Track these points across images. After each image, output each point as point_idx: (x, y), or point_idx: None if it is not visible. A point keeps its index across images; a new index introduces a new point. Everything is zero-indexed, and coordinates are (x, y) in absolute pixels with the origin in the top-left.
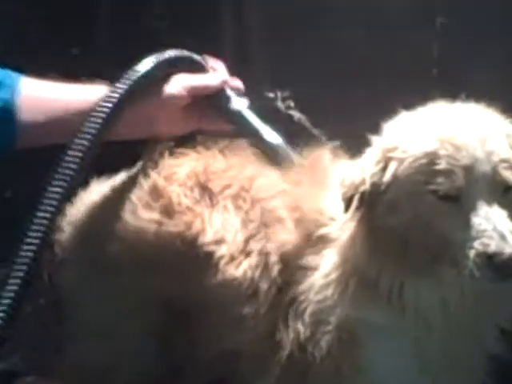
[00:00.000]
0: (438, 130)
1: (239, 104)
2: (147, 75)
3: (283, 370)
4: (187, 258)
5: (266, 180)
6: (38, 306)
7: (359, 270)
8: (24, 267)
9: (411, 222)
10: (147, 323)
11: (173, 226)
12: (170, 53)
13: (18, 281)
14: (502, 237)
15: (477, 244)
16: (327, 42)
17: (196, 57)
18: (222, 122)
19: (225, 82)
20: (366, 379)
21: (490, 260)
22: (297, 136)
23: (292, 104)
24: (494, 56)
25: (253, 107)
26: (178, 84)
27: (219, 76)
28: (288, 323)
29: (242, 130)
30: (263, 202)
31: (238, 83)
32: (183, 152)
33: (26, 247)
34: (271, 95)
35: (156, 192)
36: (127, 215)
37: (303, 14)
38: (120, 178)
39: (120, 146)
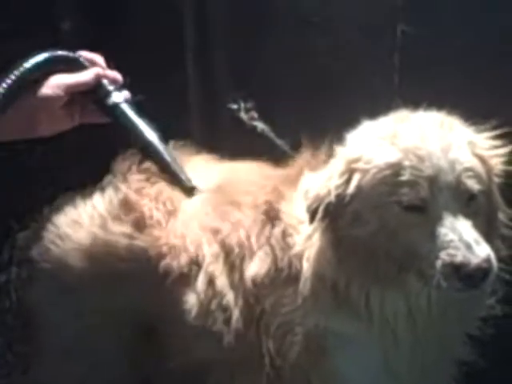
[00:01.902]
0: (401, 140)
1: (117, 98)
2: (24, 76)
3: (252, 382)
4: (156, 272)
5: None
6: (5, 324)
7: (328, 282)
8: None
9: (376, 232)
10: (117, 339)
11: (144, 240)
12: (45, 54)
13: None
14: (468, 247)
15: (443, 255)
16: (290, 54)
17: (72, 55)
18: (102, 116)
19: (99, 77)
20: None
21: (457, 270)
22: (260, 147)
23: (255, 115)
24: (456, 64)
25: (133, 101)
26: (54, 84)
27: (93, 71)
28: (257, 336)
29: (118, 123)
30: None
31: (115, 76)
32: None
33: None
34: (234, 107)
35: (127, 206)
36: (96, 229)
37: (267, 26)
38: (88, 192)
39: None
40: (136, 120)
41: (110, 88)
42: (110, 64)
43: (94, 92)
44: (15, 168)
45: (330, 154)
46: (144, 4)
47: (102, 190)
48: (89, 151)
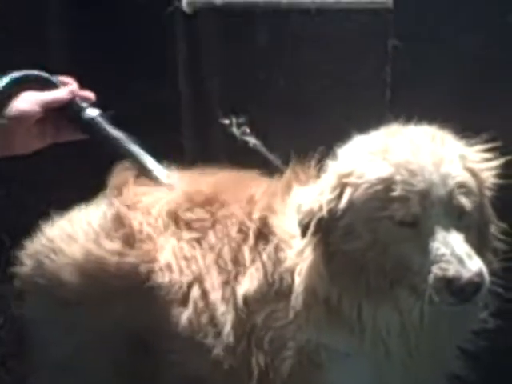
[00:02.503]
0: (392, 154)
1: (91, 113)
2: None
3: None
4: (147, 287)
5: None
6: None
7: (320, 296)
8: None
9: (368, 247)
10: (110, 353)
11: (134, 256)
12: (17, 73)
13: None
14: (460, 261)
15: (435, 269)
16: (282, 69)
17: (44, 74)
18: (77, 133)
19: (74, 94)
20: None
21: (449, 284)
22: (252, 161)
23: (247, 130)
24: (447, 79)
25: (105, 116)
26: (29, 99)
27: (67, 89)
28: (249, 350)
29: (95, 137)
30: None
31: (88, 94)
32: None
33: None
34: (226, 121)
35: (118, 221)
36: (90, 245)
37: (258, 42)
38: (83, 207)
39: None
40: (113, 131)
41: (84, 104)
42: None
43: (67, 109)
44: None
45: (320, 169)
46: (136, 22)
47: (98, 204)
48: (85, 164)
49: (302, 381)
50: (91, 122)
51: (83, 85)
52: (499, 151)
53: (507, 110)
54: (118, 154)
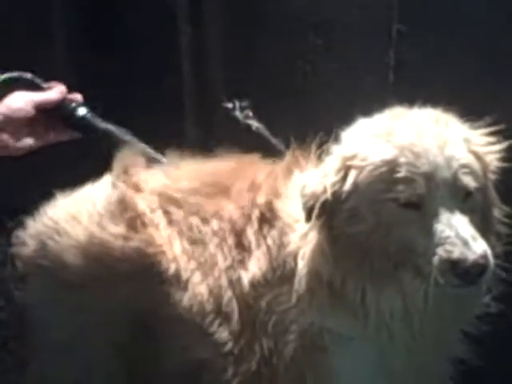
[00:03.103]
0: (396, 136)
1: (82, 111)
2: None
3: (247, 383)
4: (152, 271)
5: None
6: (0, 322)
7: (324, 280)
8: None
9: (373, 229)
10: (112, 336)
11: (138, 240)
12: (5, 74)
13: None
14: (465, 243)
15: (440, 251)
16: (285, 52)
17: (32, 76)
18: (68, 133)
19: (64, 94)
20: None
21: (454, 266)
22: (255, 145)
23: (250, 114)
24: (451, 63)
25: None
26: (21, 99)
27: (57, 90)
28: (254, 335)
29: (89, 134)
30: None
31: (77, 96)
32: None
33: None
34: (229, 105)
35: (123, 204)
36: (94, 227)
37: (261, 25)
38: (87, 189)
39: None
40: (106, 125)
41: (73, 104)
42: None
43: (58, 110)
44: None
45: (320, 153)
46: (139, 6)
47: (102, 185)
48: (89, 147)
49: (305, 364)
50: (83, 120)
51: (86, 70)
52: (502, 135)
53: (510, 95)
54: (115, 146)
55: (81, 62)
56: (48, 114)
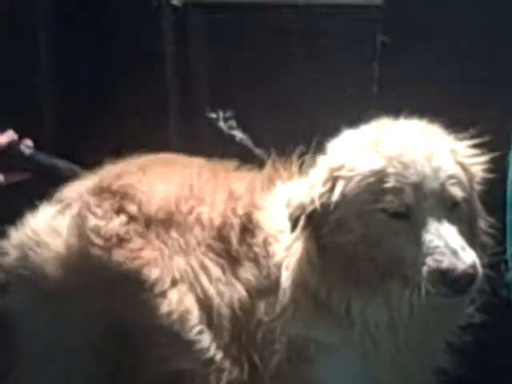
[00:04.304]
0: (384, 147)
1: (28, 150)
2: None
3: None
4: (134, 283)
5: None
6: None
7: (309, 290)
8: None
9: (360, 240)
10: (93, 347)
11: (119, 253)
12: None
13: None
14: (454, 253)
15: (429, 261)
16: (269, 63)
17: None
18: (18, 174)
19: (11, 138)
20: None
21: (444, 276)
22: (239, 156)
23: (234, 124)
24: (434, 75)
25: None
26: None
27: (7, 135)
28: (242, 347)
29: (38, 168)
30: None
31: (28, 141)
32: None
33: None
34: (213, 115)
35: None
36: (73, 240)
37: (245, 36)
38: (66, 201)
39: None
40: (52, 161)
41: (20, 146)
42: None
43: (7, 153)
44: None
45: (301, 164)
46: (123, 11)
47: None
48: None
49: (290, 375)
50: (31, 158)
51: (71, 77)
52: (488, 146)
53: (495, 107)
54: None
55: (66, 69)
56: None
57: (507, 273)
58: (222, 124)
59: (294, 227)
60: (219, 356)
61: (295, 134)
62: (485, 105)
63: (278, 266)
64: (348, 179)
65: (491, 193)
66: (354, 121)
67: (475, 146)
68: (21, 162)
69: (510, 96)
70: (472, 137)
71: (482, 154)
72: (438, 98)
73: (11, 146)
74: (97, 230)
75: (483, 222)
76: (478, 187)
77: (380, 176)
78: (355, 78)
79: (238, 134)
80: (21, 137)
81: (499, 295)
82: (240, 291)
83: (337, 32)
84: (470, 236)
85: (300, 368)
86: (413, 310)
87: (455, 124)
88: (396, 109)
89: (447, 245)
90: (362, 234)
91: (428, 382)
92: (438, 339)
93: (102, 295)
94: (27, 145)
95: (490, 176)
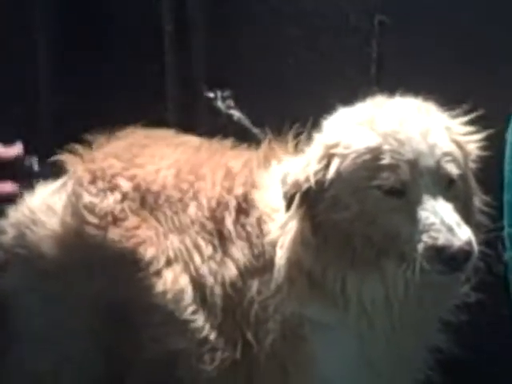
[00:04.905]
0: (380, 124)
1: (35, 166)
2: None
3: (227, 373)
4: (130, 262)
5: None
6: None
7: (304, 269)
8: None
9: (356, 217)
10: (89, 326)
11: (115, 232)
12: None
13: None
14: (450, 230)
15: (425, 237)
16: (267, 43)
17: None
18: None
19: (19, 151)
20: (311, 376)
21: (440, 253)
22: (237, 135)
23: (232, 103)
24: (432, 54)
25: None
26: None
27: (16, 148)
28: (234, 325)
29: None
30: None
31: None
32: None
33: None
34: (211, 95)
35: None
36: (69, 218)
37: (243, 16)
38: (63, 180)
39: None
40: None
41: (29, 160)
42: None
43: (14, 167)
44: None
45: (297, 143)
46: None
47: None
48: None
49: (285, 353)
50: (38, 175)
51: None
52: (484, 124)
53: (495, 84)
54: None
55: (65, 50)
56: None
57: (504, 252)
58: (219, 103)
59: (288, 205)
60: (213, 335)
61: (293, 114)
62: (484, 82)
63: (273, 245)
64: (343, 156)
65: (487, 171)
66: (353, 100)
67: (471, 124)
68: (28, 177)
69: (508, 73)
70: (468, 114)
71: (478, 131)
72: (436, 77)
73: (18, 160)
74: (91, 208)
75: (478, 200)
76: (473, 165)
77: (375, 153)
78: (353, 58)
79: (236, 114)
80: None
81: (495, 273)
82: (232, 270)
83: (335, 11)
84: (465, 214)
85: (295, 346)
86: (408, 287)
87: (454, 102)
88: (394, 87)
89: (443, 222)
90: (357, 212)
91: (423, 360)
92: (433, 318)
93: (98, 274)
94: (34, 160)
95: (486, 154)
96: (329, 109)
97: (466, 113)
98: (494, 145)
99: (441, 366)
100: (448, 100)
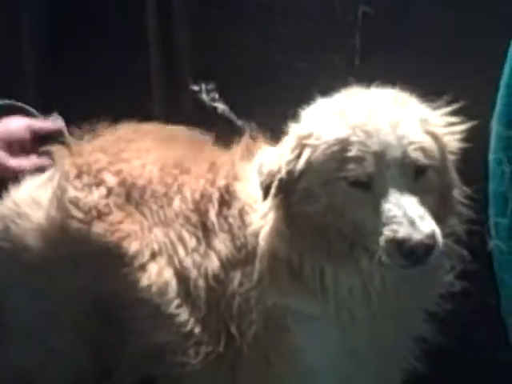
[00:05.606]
0: (350, 116)
1: None
2: None
3: (211, 366)
4: (114, 257)
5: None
6: None
7: (281, 259)
8: None
9: (326, 209)
10: (74, 320)
11: (99, 226)
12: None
13: None
14: (411, 223)
15: (386, 230)
16: (251, 35)
17: (27, 107)
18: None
19: (59, 126)
20: (294, 366)
21: (399, 246)
22: (221, 128)
23: (216, 96)
24: (416, 45)
25: None
26: (20, 122)
27: (55, 123)
28: (218, 317)
29: None
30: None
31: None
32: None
33: None
34: (196, 88)
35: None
36: (54, 212)
37: (228, 8)
38: (50, 174)
39: None
40: None
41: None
42: None
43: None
44: None
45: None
46: None
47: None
48: None
49: (268, 345)
50: None
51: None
52: (467, 115)
53: (478, 76)
54: None
55: (50, 48)
56: (39, 141)
57: (490, 241)
58: (204, 96)
59: (265, 195)
60: (198, 329)
61: (277, 106)
62: (468, 73)
63: (255, 235)
64: (314, 147)
65: (471, 162)
66: (336, 91)
67: (454, 115)
68: None
69: (491, 65)
70: (450, 105)
71: (459, 123)
72: (420, 68)
73: (59, 134)
74: (76, 202)
75: (458, 192)
76: (452, 157)
77: (344, 144)
78: (337, 49)
79: (220, 106)
80: None
81: (479, 262)
82: (214, 262)
83: (319, 2)
84: (443, 206)
85: (278, 337)
86: (384, 278)
87: (437, 93)
88: (378, 78)
89: (405, 214)
90: (327, 204)
91: (409, 350)
92: (415, 307)
93: (83, 268)
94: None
95: (469, 145)
96: (312, 100)
97: (448, 104)
98: (477, 135)
99: (427, 355)
100: (431, 91)
